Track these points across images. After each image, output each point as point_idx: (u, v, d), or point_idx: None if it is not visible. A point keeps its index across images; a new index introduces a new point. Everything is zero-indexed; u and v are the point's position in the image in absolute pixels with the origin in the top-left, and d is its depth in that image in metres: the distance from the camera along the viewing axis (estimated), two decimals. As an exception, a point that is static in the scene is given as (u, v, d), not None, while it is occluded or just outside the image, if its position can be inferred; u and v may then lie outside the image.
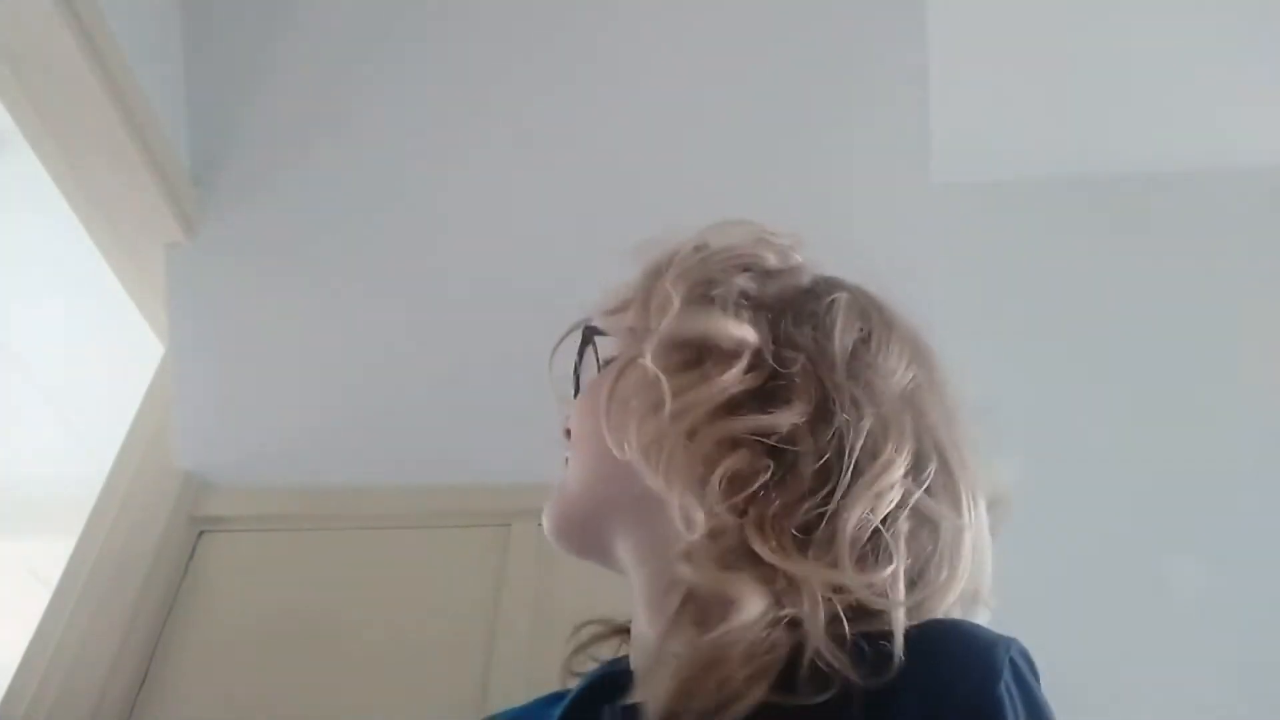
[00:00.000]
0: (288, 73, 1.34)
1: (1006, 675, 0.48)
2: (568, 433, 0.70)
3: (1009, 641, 0.51)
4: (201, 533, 1.31)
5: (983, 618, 0.60)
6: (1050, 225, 1.97)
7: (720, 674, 0.50)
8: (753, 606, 0.51)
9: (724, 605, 0.52)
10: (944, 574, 0.56)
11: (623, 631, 0.70)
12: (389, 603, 1.25)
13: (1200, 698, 1.58)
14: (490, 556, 1.27)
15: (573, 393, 0.72)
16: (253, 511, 1.33)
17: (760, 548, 0.52)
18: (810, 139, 1.33)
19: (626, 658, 0.67)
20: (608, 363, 0.69)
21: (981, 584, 0.60)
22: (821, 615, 0.50)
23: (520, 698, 1.15)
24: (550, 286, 1.30)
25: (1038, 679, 0.51)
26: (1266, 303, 1.90)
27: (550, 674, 1.15)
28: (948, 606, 0.57)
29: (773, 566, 0.52)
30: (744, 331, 0.59)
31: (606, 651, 0.70)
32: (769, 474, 0.55)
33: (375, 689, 1.18)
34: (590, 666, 0.70)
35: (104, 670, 1.14)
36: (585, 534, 0.67)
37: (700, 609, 0.53)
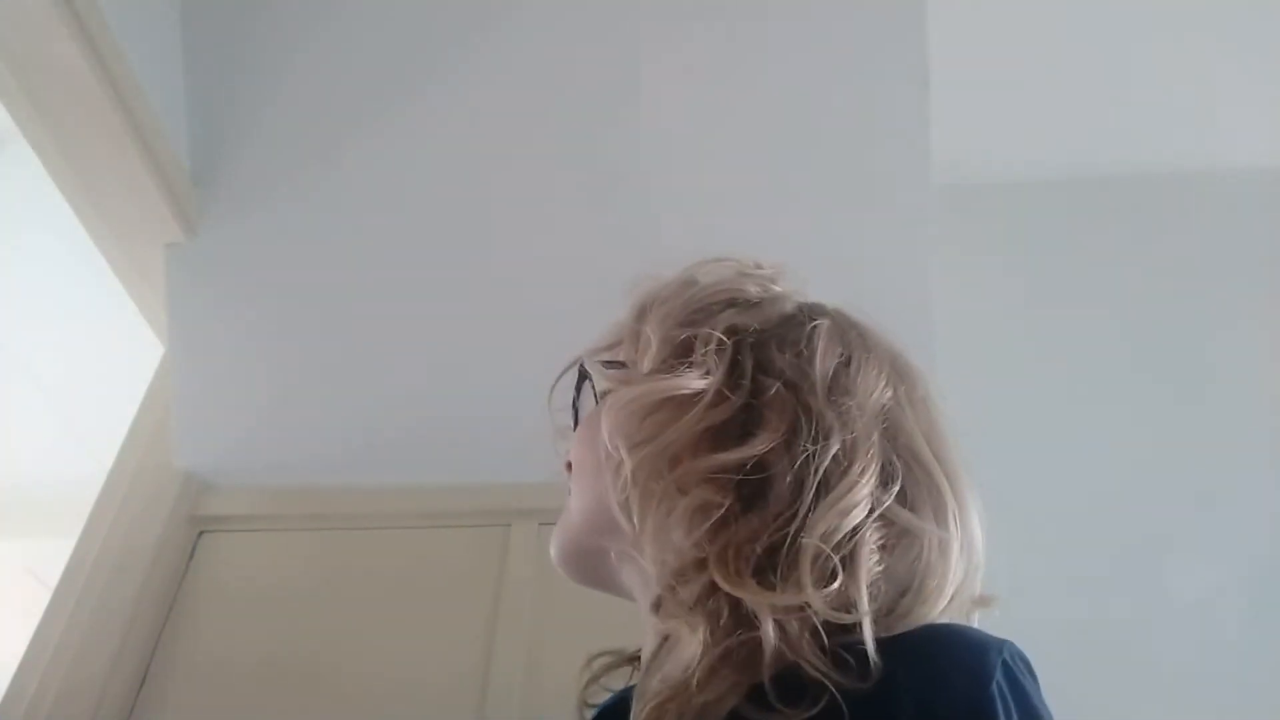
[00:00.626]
0: (288, 73, 1.34)
1: (998, 676, 0.49)
2: (569, 465, 0.71)
3: (1001, 643, 0.51)
4: (201, 533, 1.31)
5: (982, 622, 0.61)
6: (1050, 225, 1.98)
7: (679, 704, 0.53)
8: (695, 640, 0.54)
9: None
10: (930, 582, 0.57)
11: (634, 660, 0.71)
12: (388, 603, 1.25)
13: (1200, 698, 1.58)
14: (490, 556, 1.27)
15: (572, 425, 0.73)
16: (253, 511, 1.33)
17: (718, 577, 0.54)
18: (812, 142, 1.33)
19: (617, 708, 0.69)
20: (603, 396, 0.70)
21: (978, 589, 0.61)
22: (783, 633, 0.52)
23: (520, 699, 1.16)
24: (551, 287, 1.31)
25: (1035, 680, 0.52)
26: (1266, 303, 1.90)
27: (549, 675, 1.15)
28: (940, 612, 0.57)
29: (725, 592, 0.54)
30: (698, 381, 0.61)
31: (619, 681, 0.71)
32: (734, 504, 0.57)
33: (375, 688, 1.18)
34: (604, 697, 0.71)
35: (104, 670, 1.14)
36: (589, 564, 0.69)
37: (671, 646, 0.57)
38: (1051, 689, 0.53)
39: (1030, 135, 1.92)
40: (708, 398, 0.60)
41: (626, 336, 0.68)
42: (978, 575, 0.61)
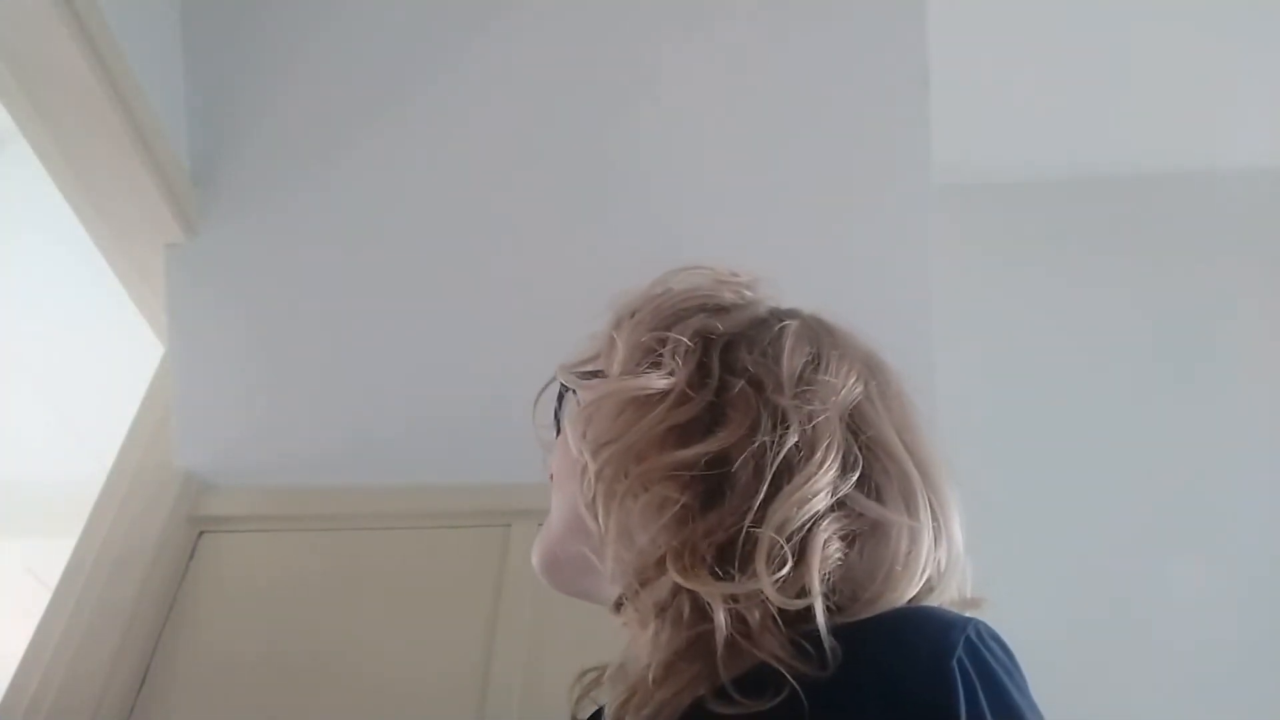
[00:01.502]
0: (288, 73, 1.34)
1: (960, 652, 0.49)
2: (552, 475, 0.72)
3: (967, 621, 0.52)
4: (201, 533, 1.31)
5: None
6: (1050, 226, 1.98)
7: (639, 700, 0.54)
8: (652, 636, 0.56)
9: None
10: (898, 569, 0.58)
11: None
12: (389, 603, 1.25)
13: (1200, 697, 1.59)
14: (490, 556, 1.27)
15: (554, 435, 0.74)
16: (253, 511, 1.33)
17: (674, 572, 0.55)
18: (812, 141, 1.33)
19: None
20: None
21: (969, 589, 0.62)
22: (740, 624, 0.53)
23: (520, 698, 1.16)
24: (551, 287, 1.31)
25: (1011, 659, 0.52)
26: (1266, 302, 1.90)
27: (549, 675, 1.15)
28: (911, 599, 0.58)
29: (685, 588, 0.55)
30: (661, 381, 0.62)
31: (606, 694, 0.72)
32: (695, 500, 0.58)
33: (375, 688, 1.18)
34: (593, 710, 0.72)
35: (104, 670, 1.14)
36: (569, 571, 0.69)
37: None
38: (1051, 687, 0.54)
39: (1030, 135, 1.92)
40: (671, 397, 0.61)
41: (603, 347, 0.69)
42: (958, 568, 0.61)
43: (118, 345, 1.62)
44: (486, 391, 1.30)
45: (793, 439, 0.58)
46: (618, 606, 0.60)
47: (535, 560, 0.71)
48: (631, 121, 1.34)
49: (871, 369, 0.65)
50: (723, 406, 0.61)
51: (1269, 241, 1.93)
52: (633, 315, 0.68)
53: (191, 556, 1.29)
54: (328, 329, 1.35)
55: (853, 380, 0.63)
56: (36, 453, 2.29)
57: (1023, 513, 1.59)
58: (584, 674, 0.72)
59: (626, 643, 0.60)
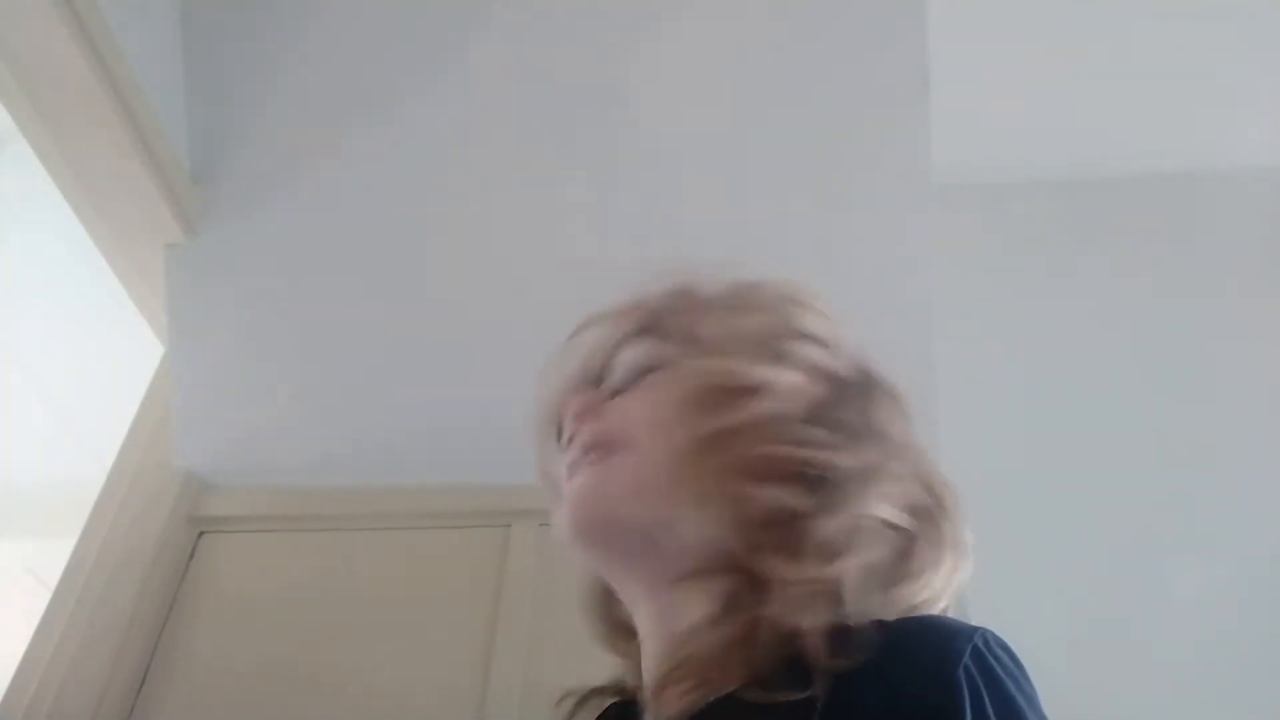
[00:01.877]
0: (288, 72, 1.34)
1: (967, 659, 0.49)
2: (587, 416, 0.67)
3: (975, 630, 0.52)
4: (201, 533, 1.31)
5: (981, 621, 0.61)
6: (1050, 226, 1.98)
7: (682, 671, 0.56)
8: (699, 613, 0.59)
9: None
10: (915, 569, 0.61)
11: (600, 692, 0.73)
12: (389, 603, 1.25)
13: (1200, 697, 1.59)
14: (490, 556, 1.27)
15: (613, 384, 0.70)
16: (253, 511, 1.33)
17: (744, 557, 0.59)
18: (812, 141, 1.33)
19: (609, 710, 0.72)
20: (644, 370, 0.68)
21: (958, 582, 0.64)
22: (789, 610, 0.55)
23: (520, 699, 1.16)
24: (551, 288, 1.31)
25: (1019, 667, 0.52)
26: (1266, 302, 1.90)
27: (549, 676, 1.15)
28: (925, 602, 0.61)
29: (748, 569, 0.58)
30: (795, 378, 0.65)
31: (587, 713, 0.73)
32: (787, 497, 0.60)
33: (374, 688, 1.18)
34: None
35: (104, 670, 1.14)
36: (616, 540, 0.65)
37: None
38: (1051, 688, 0.54)
39: (1030, 135, 1.92)
40: (802, 397, 0.64)
41: (674, 314, 0.69)
42: (966, 566, 0.64)
43: (118, 345, 1.62)
44: (486, 392, 1.30)
45: (877, 463, 0.62)
46: (677, 580, 0.61)
47: (584, 514, 0.64)
48: (631, 121, 1.34)
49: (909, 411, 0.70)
50: (837, 426, 0.63)
51: (1269, 241, 1.93)
52: (733, 302, 0.69)
53: (191, 557, 1.29)
54: (328, 329, 1.35)
55: (904, 422, 0.68)
56: (36, 453, 2.29)
57: (1023, 513, 1.59)
58: (563, 699, 0.73)
59: (677, 617, 0.61)
